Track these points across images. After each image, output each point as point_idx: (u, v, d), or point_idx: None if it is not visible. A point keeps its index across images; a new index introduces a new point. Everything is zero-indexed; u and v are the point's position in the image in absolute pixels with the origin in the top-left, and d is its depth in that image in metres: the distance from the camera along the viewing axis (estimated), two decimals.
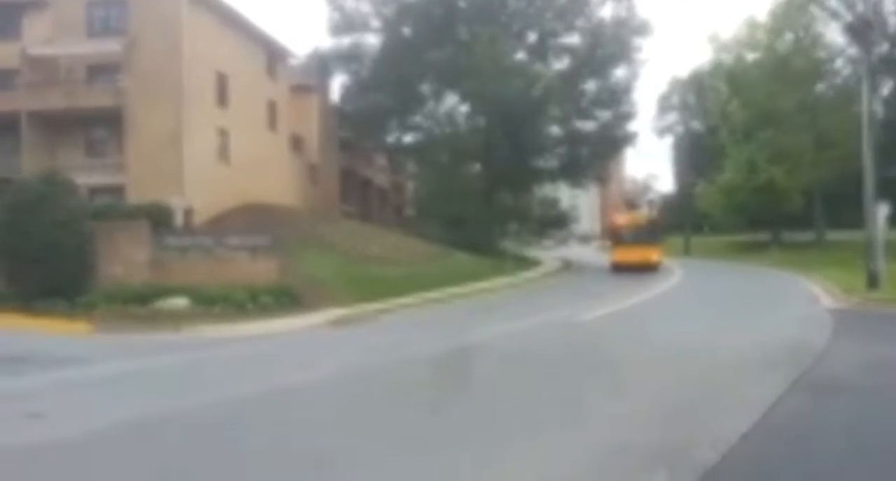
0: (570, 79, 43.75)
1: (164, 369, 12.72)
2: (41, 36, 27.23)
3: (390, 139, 46.55)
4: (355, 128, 44.00)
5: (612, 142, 46.77)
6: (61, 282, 18.16)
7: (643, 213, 46.24)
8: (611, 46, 43.32)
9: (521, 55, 43.65)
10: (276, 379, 11.01)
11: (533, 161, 45.77)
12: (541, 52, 44.38)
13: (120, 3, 27.05)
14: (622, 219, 40.53)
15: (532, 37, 43.91)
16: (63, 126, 27.37)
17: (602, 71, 44.78)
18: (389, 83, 41.41)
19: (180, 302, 19.53)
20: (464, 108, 45.76)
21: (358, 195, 45.85)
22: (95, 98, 26.76)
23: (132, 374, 12.13)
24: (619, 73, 45.04)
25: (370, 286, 23.74)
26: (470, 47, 39.87)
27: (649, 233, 36.72)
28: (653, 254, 35.52)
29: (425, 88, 44.36)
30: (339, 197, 42.03)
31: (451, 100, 45.81)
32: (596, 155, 46.59)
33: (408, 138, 47.23)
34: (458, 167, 45.16)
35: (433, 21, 41.08)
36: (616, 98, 45.49)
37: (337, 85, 44.30)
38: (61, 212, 18.49)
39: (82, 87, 27.26)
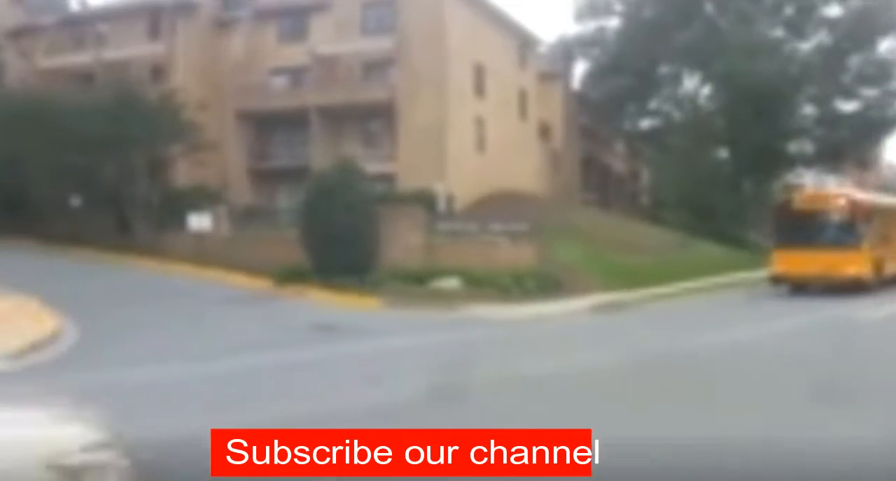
0: (831, 54, 40.33)
1: (457, 343, 13.76)
2: (324, 36, 30.26)
3: (628, 125, 45.96)
4: (595, 114, 43.97)
5: (879, 124, 42.43)
6: (355, 261, 20.27)
7: (839, 193, 24.59)
8: (879, 16, 39.22)
9: (776, 31, 40.93)
10: (574, 357, 11.54)
11: (786, 145, 42.94)
12: (798, 26, 41.31)
13: (389, 3, 29.26)
14: (799, 201, 23.26)
15: (789, 10, 40.97)
16: (344, 119, 30.32)
17: (868, 44, 40.71)
18: (629, 67, 40.84)
19: (453, 283, 20.94)
20: (706, 91, 43.98)
21: (597, 182, 45.85)
22: (371, 93, 29.33)
23: (433, 345, 13.32)
24: (887, 45, 40.68)
25: (623, 273, 23.83)
26: (718, 25, 38.18)
27: (847, 228, 21.11)
28: (850, 264, 20.47)
29: (665, 71, 43.19)
30: (580, 184, 42.35)
31: (690, 83, 44.23)
32: (858, 138, 42.58)
33: (646, 123, 46.38)
34: (699, 152, 43.55)
35: (678, 1, 39.85)
36: (883, 74, 41.16)
37: (579, 71, 44.54)
38: (354, 197, 20.61)
39: (360, 83, 29.97)
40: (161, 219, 27.04)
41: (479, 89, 31.13)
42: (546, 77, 38.66)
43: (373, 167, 27.42)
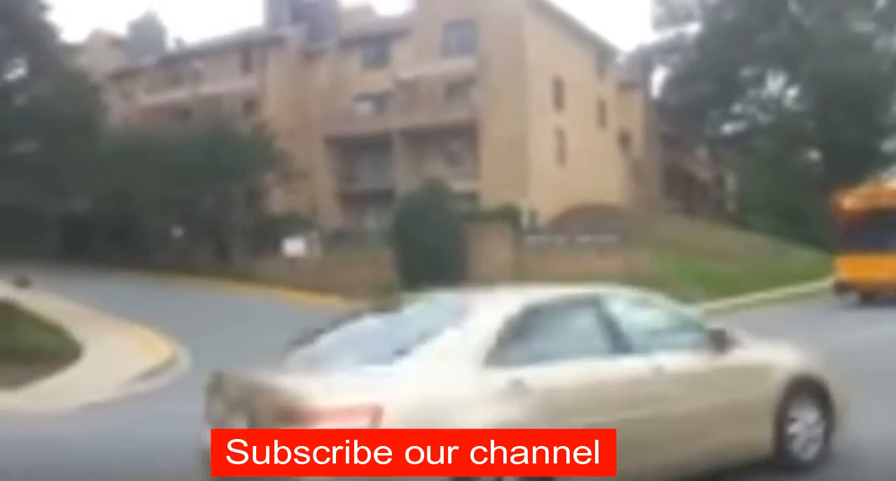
0: None
1: None
2: (406, 60, 31.10)
3: (710, 130, 45.10)
4: (676, 121, 43.37)
5: None
6: (443, 278, 20.67)
7: None
8: None
9: (866, 26, 39.52)
10: None
11: (881, 144, 41.26)
12: (890, 19, 39.76)
13: (470, 24, 29.80)
14: (860, 198, 19.84)
15: (881, 2, 39.50)
16: (426, 140, 31.00)
17: None
18: (710, 72, 40.17)
19: None
20: (792, 92, 42.77)
21: (680, 190, 45.08)
22: (453, 113, 29.94)
23: None
24: None
25: (716, 281, 23.39)
26: (804, 24, 37.20)
27: None
28: None
29: (748, 74, 42.25)
30: (663, 192, 41.76)
31: (775, 84, 43.08)
32: None
33: (728, 128, 45.43)
34: (787, 155, 42.29)
35: (761, 1, 39.01)
36: None
37: (658, 79, 44.08)
38: (442, 216, 21.09)
39: (442, 104, 30.62)
40: (257, 245, 28.20)
41: (559, 102, 31.27)
42: (625, 86, 38.45)
43: (456, 185, 27.86)
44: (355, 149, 33.27)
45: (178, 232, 31.13)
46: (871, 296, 18.98)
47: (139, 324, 17.91)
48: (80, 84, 21.53)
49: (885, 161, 43.76)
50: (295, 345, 4.83)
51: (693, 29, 42.31)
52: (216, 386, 4.54)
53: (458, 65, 29.87)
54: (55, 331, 16.47)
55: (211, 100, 32.40)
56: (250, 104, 33.23)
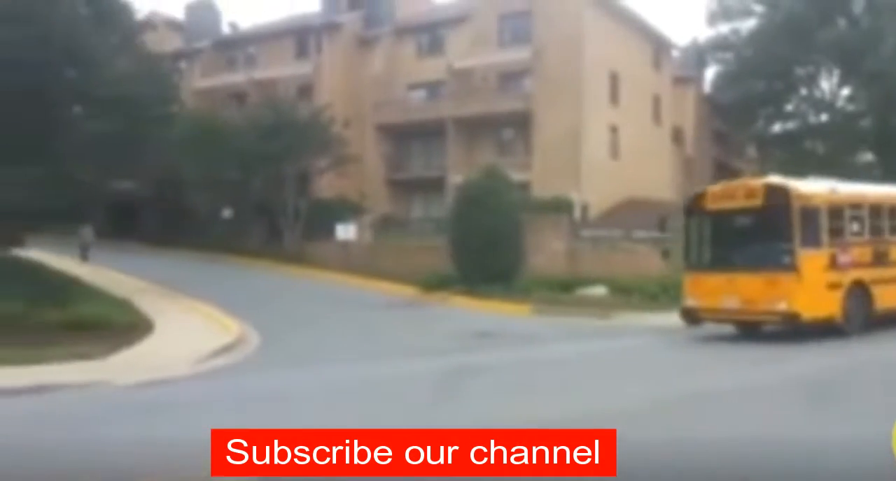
0: None
1: (627, 351, 13.43)
2: (461, 49, 31.01)
3: (761, 129, 44.27)
4: (726, 118, 42.74)
5: None
6: (501, 268, 20.54)
7: (765, 182, 13.26)
8: None
9: None
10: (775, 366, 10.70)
11: None
12: None
13: (527, 14, 29.64)
14: (713, 198, 13.50)
15: None
16: (479, 129, 30.93)
17: None
18: (763, 69, 39.42)
19: (600, 290, 20.89)
20: (845, 91, 41.79)
21: None
22: (506, 103, 29.82)
23: (604, 353, 12.82)
24: None
25: None
26: (864, 22, 36.29)
27: (777, 237, 12.42)
28: (780, 295, 12.09)
29: (801, 72, 41.39)
30: None
31: (828, 84, 42.13)
32: None
33: (778, 127, 44.54)
34: (841, 156, 41.32)
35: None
36: None
37: (710, 75, 43.42)
38: (501, 205, 20.89)
39: (495, 94, 30.49)
40: (308, 228, 28.37)
41: (614, 96, 31.01)
42: (679, 81, 37.95)
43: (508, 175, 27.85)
44: (406, 136, 33.31)
45: (227, 213, 31.45)
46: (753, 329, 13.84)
47: (199, 300, 18.11)
48: (157, 64, 21.66)
49: None
50: None
51: (747, 25, 41.54)
52: None
53: (513, 55, 29.74)
54: (122, 304, 16.68)
55: (266, 84, 32.59)
56: (304, 90, 33.35)
